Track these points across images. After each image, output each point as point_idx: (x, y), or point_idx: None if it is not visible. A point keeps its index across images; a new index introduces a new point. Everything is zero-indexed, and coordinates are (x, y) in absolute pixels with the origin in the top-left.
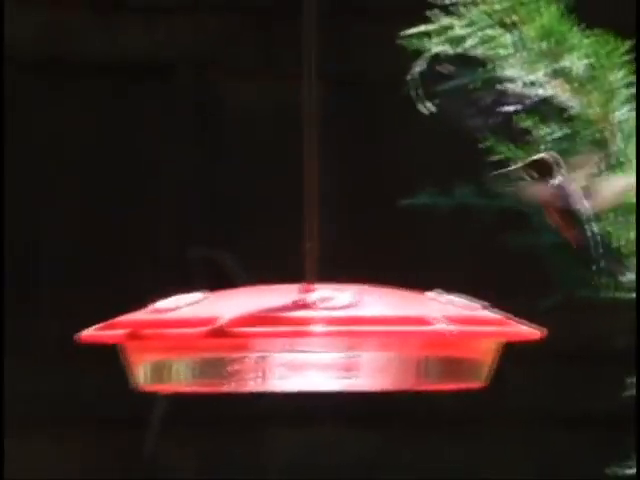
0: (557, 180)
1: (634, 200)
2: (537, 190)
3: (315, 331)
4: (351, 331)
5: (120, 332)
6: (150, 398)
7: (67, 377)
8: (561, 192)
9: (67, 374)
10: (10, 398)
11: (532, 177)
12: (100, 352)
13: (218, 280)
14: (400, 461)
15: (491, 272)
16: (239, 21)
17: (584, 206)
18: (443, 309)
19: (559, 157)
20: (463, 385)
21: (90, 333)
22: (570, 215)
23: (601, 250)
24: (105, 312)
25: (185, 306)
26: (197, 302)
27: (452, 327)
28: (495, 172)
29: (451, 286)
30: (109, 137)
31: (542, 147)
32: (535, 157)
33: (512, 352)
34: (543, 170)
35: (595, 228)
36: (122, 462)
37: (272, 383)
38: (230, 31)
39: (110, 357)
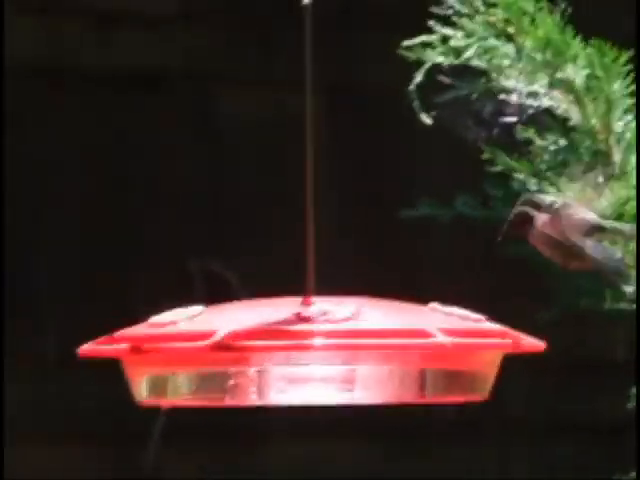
0: (544, 220)
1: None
2: (533, 237)
3: (314, 345)
4: (350, 344)
5: (119, 346)
6: (150, 412)
7: (66, 391)
8: (554, 228)
9: (66, 388)
10: (9, 411)
11: (520, 230)
12: (100, 365)
13: (218, 293)
14: (401, 473)
15: (491, 282)
16: (238, 31)
17: (578, 236)
18: (444, 321)
19: (536, 198)
20: (464, 398)
21: (89, 347)
22: (569, 248)
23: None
24: (104, 325)
25: (184, 320)
26: (196, 316)
27: (452, 339)
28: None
29: (451, 297)
30: (106, 148)
31: (539, 160)
32: (513, 213)
33: (513, 363)
34: (526, 220)
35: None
36: (122, 476)
37: (271, 397)
38: (229, 41)
39: (110, 370)
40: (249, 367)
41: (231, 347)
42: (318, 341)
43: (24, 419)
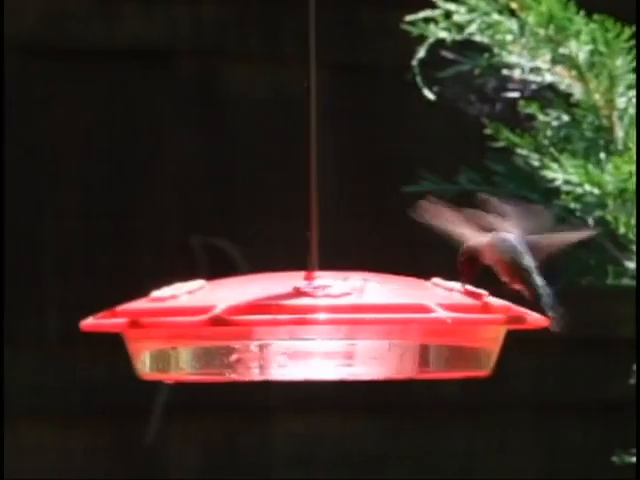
0: (494, 243)
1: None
2: (484, 240)
3: (310, 319)
4: (347, 319)
5: (120, 321)
6: (152, 387)
7: (68, 367)
8: (503, 249)
9: (69, 365)
10: (10, 390)
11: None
12: (102, 341)
13: (221, 268)
14: (405, 451)
15: None
16: (241, 8)
17: (528, 259)
18: (445, 296)
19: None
20: (467, 374)
21: (91, 322)
22: (516, 270)
23: (549, 298)
24: (107, 303)
25: (185, 294)
26: (196, 290)
27: (452, 314)
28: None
29: (454, 273)
30: (110, 125)
31: (541, 135)
32: (460, 252)
33: (516, 339)
34: (475, 254)
35: (538, 280)
36: (124, 452)
37: (272, 372)
38: (232, 18)
39: (114, 347)
40: (247, 341)
41: (228, 322)
42: (315, 316)
43: (25, 396)
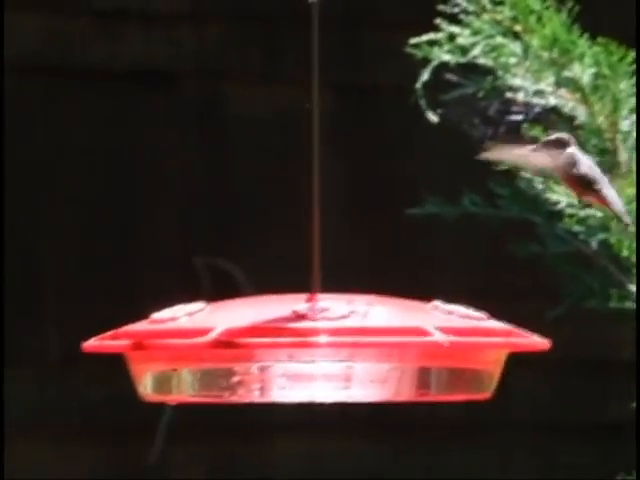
0: (569, 150)
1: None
2: (549, 159)
3: (307, 342)
4: (344, 342)
5: (121, 343)
6: (155, 408)
7: (68, 386)
8: (571, 160)
9: (70, 385)
10: (13, 409)
11: (549, 148)
12: (103, 363)
13: (225, 290)
14: (406, 472)
15: (497, 281)
16: (243, 29)
17: (595, 171)
18: (444, 319)
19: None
20: (468, 396)
21: (93, 343)
22: (583, 181)
23: (621, 205)
24: (110, 324)
25: (184, 316)
26: (197, 312)
27: (449, 338)
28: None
29: (456, 294)
30: (111, 146)
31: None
32: (551, 137)
33: (517, 361)
34: (559, 145)
35: (610, 191)
36: (127, 473)
37: (271, 394)
38: (234, 39)
39: (114, 367)
40: (246, 363)
41: (226, 344)
42: (313, 339)
43: (26, 418)
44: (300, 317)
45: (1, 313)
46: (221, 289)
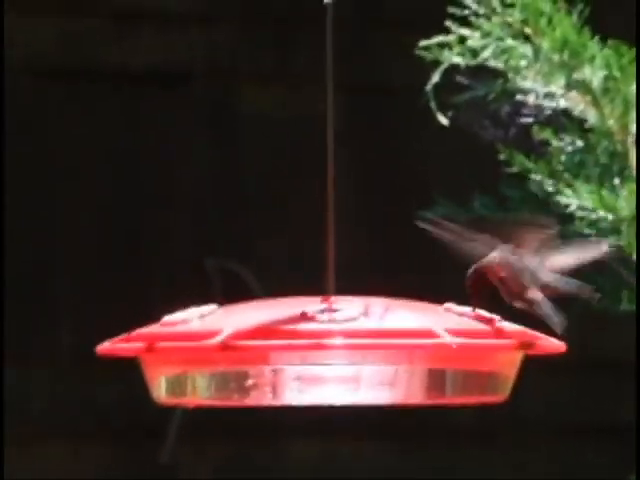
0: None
1: None
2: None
3: (314, 344)
4: (354, 344)
5: (133, 345)
6: (165, 409)
7: (83, 388)
8: (510, 269)
9: (83, 385)
10: (23, 409)
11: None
12: (116, 363)
13: (236, 292)
14: (419, 474)
15: None
16: (255, 30)
17: (533, 275)
18: (455, 321)
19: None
20: (483, 399)
21: (107, 346)
22: (520, 286)
23: (549, 309)
24: (121, 319)
25: (195, 319)
26: (207, 315)
27: (458, 340)
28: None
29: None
30: (124, 147)
31: (555, 161)
32: (469, 274)
33: (529, 363)
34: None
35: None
36: (138, 473)
37: (282, 396)
38: (247, 40)
39: (127, 367)
40: (257, 366)
41: (232, 347)
42: (319, 341)
43: (41, 418)
44: (309, 319)
45: (15, 314)
46: (233, 291)
